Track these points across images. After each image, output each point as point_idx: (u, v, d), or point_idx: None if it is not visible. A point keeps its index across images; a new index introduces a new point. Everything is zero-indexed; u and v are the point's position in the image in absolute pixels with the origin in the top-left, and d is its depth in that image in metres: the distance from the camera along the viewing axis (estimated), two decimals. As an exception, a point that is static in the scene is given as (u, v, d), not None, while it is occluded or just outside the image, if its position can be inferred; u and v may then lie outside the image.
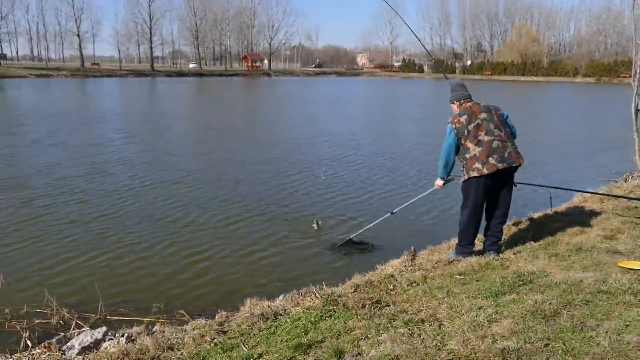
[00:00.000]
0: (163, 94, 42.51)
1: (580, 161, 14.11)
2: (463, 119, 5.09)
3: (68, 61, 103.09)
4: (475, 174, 5.00)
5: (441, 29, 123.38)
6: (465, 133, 5.05)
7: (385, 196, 9.87)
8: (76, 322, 4.82)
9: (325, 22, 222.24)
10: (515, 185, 5.68)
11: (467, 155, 5.06)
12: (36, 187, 9.97)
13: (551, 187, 6.90)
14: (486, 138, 4.99)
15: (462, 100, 5.30)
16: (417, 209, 8.61)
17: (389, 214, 6.86)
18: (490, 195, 5.24)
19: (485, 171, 4.94)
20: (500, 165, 4.93)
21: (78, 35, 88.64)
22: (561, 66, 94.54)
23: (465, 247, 5.34)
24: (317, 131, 19.33)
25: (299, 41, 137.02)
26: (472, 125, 5.04)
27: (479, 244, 5.57)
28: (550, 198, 6.91)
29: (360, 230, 7.24)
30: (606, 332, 3.21)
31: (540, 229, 6.21)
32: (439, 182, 5.49)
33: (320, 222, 7.89)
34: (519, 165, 5.09)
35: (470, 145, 5.03)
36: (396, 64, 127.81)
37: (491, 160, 4.93)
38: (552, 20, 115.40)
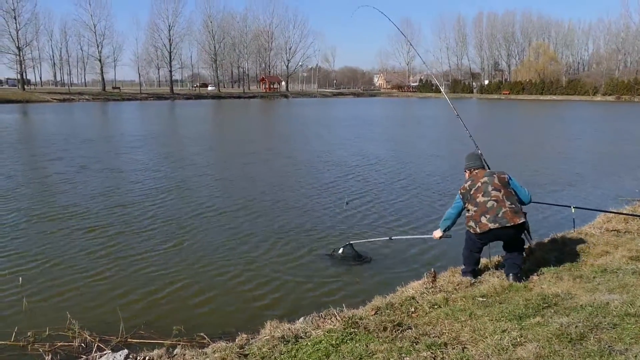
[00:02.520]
0: (188, 117, 42.77)
1: (602, 180, 13.90)
2: (467, 184, 5.50)
3: (90, 85, 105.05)
4: (470, 230, 5.36)
5: (458, 49, 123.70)
6: (468, 197, 5.42)
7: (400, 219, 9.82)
8: (98, 345, 4.83)
9: (342, 44, 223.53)
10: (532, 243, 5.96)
11: (467, 214, 5.45)
12: (55, 209, 10.09)
13: (574, 207, 6.82)
14: (482, 199, 5.27)
15: (472, 169, 5.71)
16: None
17: (388, 239, 7.34)
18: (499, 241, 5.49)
19: (478, 230, 5.23)
20: (491, 225, 5.13)
21: (100, 60, 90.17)
22: (580, 85, 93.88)
23: (466, 273, 5.59)
24: (346, 153, 19.33)
25: (316, 63, 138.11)
26: (474, 189, 5.39)
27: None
28: (573, 218, 6.82)
29: (362, 240, 7.44)
30: (635, 356, 3.14)
31: (564, 249, 6.13)
32: (437, 233, 5.86)
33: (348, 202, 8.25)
34: (515, 224, 5.13)
35: (470, 207, 5.41)
36: (413, 85, 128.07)
37: (483, 219, 5.19)
38: (570, 39, 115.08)
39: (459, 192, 5.57)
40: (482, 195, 5.26)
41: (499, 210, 5.12)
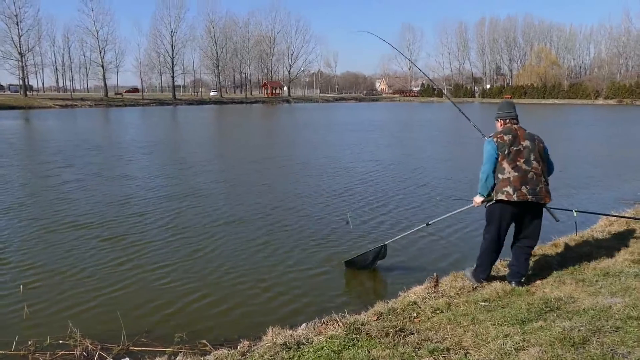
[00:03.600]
0: (193, 123, 42.72)
1: (604, 184, 13.87)
2: (507, 137, 5.02)
3: (92, 91, 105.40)
4: (503, 197, 4.92)
5: (460, 54, 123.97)
6: (506, 152, 4.96)
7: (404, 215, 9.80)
8: (99, 354, 4.82)
9: (344, 49, 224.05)
10: (557, 220, 5.79)
11: (501, 176, 4.97)
12: (57, 216, 10.10)
13: (576, 210, 6.79)
14: (524, 166, 4.93)
15: (507, 120, 5.26)
16: (440, 232, 8.54)
17: (425, 225, 6.82)
18: (518, 226, 5.18)
19: (514, 198, 4.86)
20: (530, 197, 4.87)
21: (102, 66, 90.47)
22: (582, 89, 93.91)
23: (479, 274, 5.32)
24: (356, 158, 19.28)
25: (318, 68, 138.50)
26: (515, 148, 4.97)
27: (503, 269, 5.49)
28: (575, 222, 6.80)
29: (398, 237, 7.26)
30: (638, 359, 3.12)
31: (566, 253, 6.12)
32: (478, 198, 5.28)
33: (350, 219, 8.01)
34: (545, 204, 5.04)
35: (506, 166, 4.94)
36: (415, 89, 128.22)
37: (524, 189, 4.86)
38: (572, 43, 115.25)
39: (493, 139, 5.05)
40: (525, 163, 4.92)
41: (537, 185, 4.90)
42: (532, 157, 4.96)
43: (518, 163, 4.92)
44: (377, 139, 27.34)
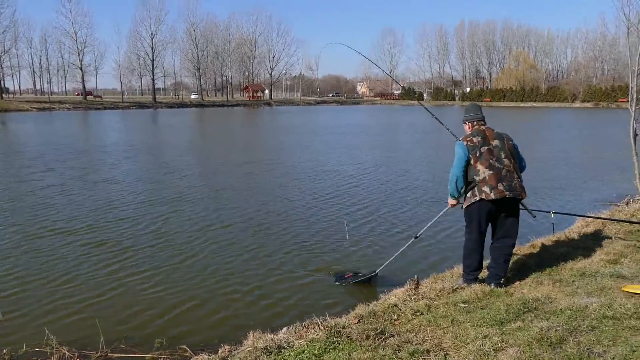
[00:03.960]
0: (175, 126, 42.17)
1: (580, 185, 14.09)
2: (477, 139, 5.10)
3: (70, 94, 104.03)
4: (483, 196, 4.98)
5: (440, 57, 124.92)
6: (477, 154, 5.03)
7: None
8: (77, 360, 4.76)
9: (326, 52, 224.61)
10: (534, 216, 5.80)
11: (477, 178, 5.03)
12: (36, 222, 9.96)
13: (553, 212, 6.88)
14: (497, 165, 5.00)
15: (475, 122, 5.34)
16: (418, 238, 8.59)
17: (414, 239, 6.61)
18: (495, 226, 5.23)
19: (492, 196, 4.92)
20: (507, 194, 4.92)
21: (81, 69, 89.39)
22: (559, 92, 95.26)
23: (470, 274, 5.33)
24: (343, 161, 19.32)
25: (300, 71, 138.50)
26: (485, 148, 5.05)
27: (483, 273, 5.54)
28: (553, 223, 6.89)
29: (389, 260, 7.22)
30: (613, 358, 3.18)
31: (543, 254, 6.19)
32: (451, 201, 5.38)
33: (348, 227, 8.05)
34: (522, 199, 5.11)
35: (480, 167, 5.01)
36: (396, 92, 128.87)
37: (500, 186, 4.92)
38: (549, 47, 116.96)
39: (463, 142, 5.12)
40: (496, 161, 5.00)
41: (511, 181, 4.97)
42: (502, 155, 5.05)
43: (490, 162, 5.01)
44: (363, 142, 27.40)
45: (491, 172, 4.95)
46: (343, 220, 9.55)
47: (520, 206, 5.35)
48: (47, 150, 22.00)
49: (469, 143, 5.09)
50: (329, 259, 7.70)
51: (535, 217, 5.90)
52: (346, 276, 6.77)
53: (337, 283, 6.71)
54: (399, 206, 11.38)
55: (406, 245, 6.69)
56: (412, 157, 20.73)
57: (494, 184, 4.93)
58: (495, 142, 5.09)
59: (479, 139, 5.09)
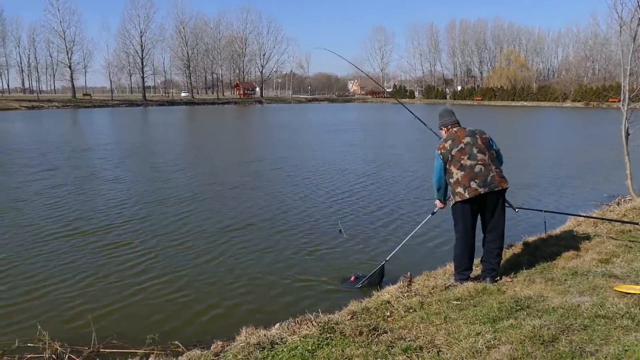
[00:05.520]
0: (169, 124, 41.79)
1: (572, 185, 14.17)
2: (448, 144, 5.24)
3: (60, 92, 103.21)
4: (458, 198, 5.11)
5: (431, 56, 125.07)
6: (450, 158, 5.19)
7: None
8: (69, 356, 4.74)
9: (317, 50, 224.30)
10: (516, 210, 5.80)
11: (451, 180, 5.19)
12: (26, 217, 9.90)
13: (545, 211, 6.92)
14: (469, 162, 5.09)
15: (449, 126, 5.47)
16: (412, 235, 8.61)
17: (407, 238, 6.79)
18: (482, 219, 5.28)
19: (467, 195, 5.03)
20: (481, 190, 5.01)
21: (70, 67, 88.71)
22: (550, 91, 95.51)
23: (461, 274, 5.36)
24: (350, 159, 19.31)
25: (291, 69, 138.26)
26: (456, 149, 5.17)
27: (477, 270, 5.56)
28: (545, 222, 6.92)
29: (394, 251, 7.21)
30: (605, 357, 3.19)
31: (535, 253, 6.21)
32: (439, 203, 5.62)
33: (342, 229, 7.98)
34: (503, 189, 5.13)
35: (453, 169, 5.15)
36: (387, 91, 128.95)
37: (473, 184, 5.02)
38: (540, 46, 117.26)
39: (438, 151, 5.31)
40: (468, 158, 5.09)
41: (487, 175, 5.03)
42: (475, 151, 5.14)
43: (462, 162, 5.11)
44: (362, 140, 27.35)
45: (462, 172, 5.08)
46: (339, 223, 9.48)
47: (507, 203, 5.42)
48: (48, 149, 21.74)
49: (442, 150, 5.28)
50: (333, 260, 7.69)
51: (517, 211, 6.00)
52: (351, 279, 6.67)
53: (357, 287, 6.50)
54: (406, 204, 11.41)
55: (410, 235, 6.81)
56: (416, 154, 20.73)
57: (467, 183, 5.04)
58: (467, 140, 5.20)
59: (450, 142, 5.25)
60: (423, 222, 6.74)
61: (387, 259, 6.70)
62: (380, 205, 11.32)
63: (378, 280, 6.56)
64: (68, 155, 19.79)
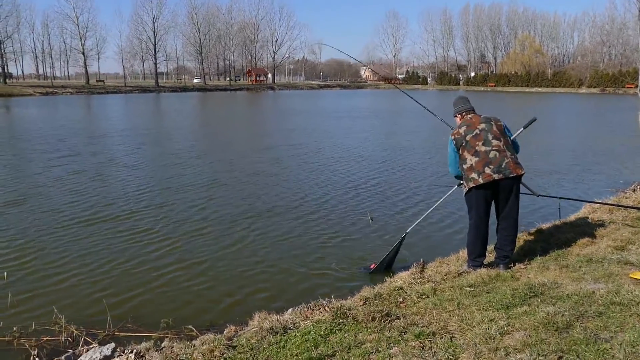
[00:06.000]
0: (184, 110, 41.69)
1: (587, 171, 14.02)
2: (462, 130, 5.21)
3: (73, 78, 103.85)
4: (472, 184, 5.07)
5: (444, 41, 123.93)
6: (463, 144, 5.15)
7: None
8: (85, 339, 4.80)
9: (329, 36, 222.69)
10: (537, 195, 5.80)
11: (465, 166, 5.15)
12: (47, 202, 10.00)
13: (559, 197, 6.86)
14: (483, 148, 5.05)
15: (463, 113, 5.43)
16: (424, 221, 8.58)
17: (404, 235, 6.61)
18: (497, 206, 5.25)
19: (480, 181, 4.99)
20: (496, 176, 4.96)
21: (83, 53, 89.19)
22: (565, 77, 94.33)
23: (475, 260, 5.34)
24: (370, 146, 19.25)
25: (303, 55, 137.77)
26: (470, 135, 5.13)
27: (490, 256, 5.54)
28: (559, 209, 6.87)
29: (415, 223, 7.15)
30: (620, 344, 3.17)
31: (550, 239, 6.17)
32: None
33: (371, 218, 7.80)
34: (518, 175, 5.08)
35: (467, 155, 5.12)
36: (400, 77, 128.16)
37: (487, 170, 4.98)
38: (555, 31, 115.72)
39: (451, 137, 5.28)
40: (483, 144, 5.04)
41: (502, 161, 4.98)
42: (490, 137, 5.09)
43: (477, 148, 5.06)
44: (379, 126, 27.15)
45: (477, 158, 5.04)
46: (368, 213, 9.25)
47: (522, 187, 5.38)
48: (66, 135, 21.78)
49: (455, 136, 5.24)
50: (352, 247, 7.68)
51: (538, 195, 5.93)
52: (371, 267, 6.60)
53: (378, 265, 6.47)
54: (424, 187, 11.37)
55: (433, 207, 6.74)
56: (433, 141, 20.59)
57: (481, 169, 5.00)
58: (482, 126, 5.16)
59: (464, 128, 5.21)
60: (447, 195, 6.56)
61: (407, 231, 6.63)
62: (398, 191, 11.27)
63: (394, 253, 6.50)
64: (86, 141, 19.92)
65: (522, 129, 5.91)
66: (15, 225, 8.57)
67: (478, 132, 5.12)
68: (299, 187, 11.65)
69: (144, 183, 12.02)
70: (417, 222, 6.77)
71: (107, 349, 4.16)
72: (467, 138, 5.13)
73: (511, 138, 5.37)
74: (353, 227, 8.52)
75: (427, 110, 6.82)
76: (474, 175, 5.03)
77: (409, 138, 19.84)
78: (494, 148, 5.04)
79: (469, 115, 5.34)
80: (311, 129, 25.73)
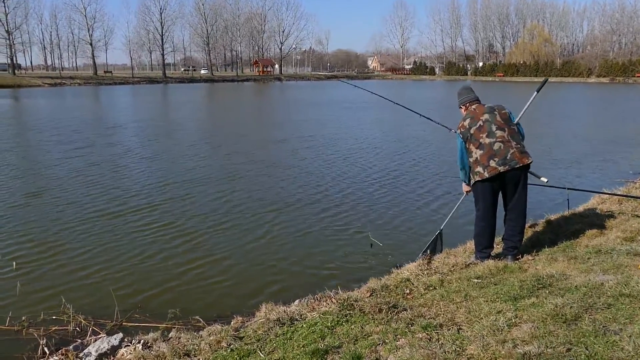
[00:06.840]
0: (193, 102, 41.65)
1: (596, 161, 13.92)
2: (466, 122, 5.14)
3: (81, 69, 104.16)
4: (477, 177, 5.03)
5: (452, 31, 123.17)
6: (469, 137, 5.08)
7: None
8: (92, 329, 4.83)
9: (336, 27, 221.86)
10: (546, 181, 5.76)
11: (471, 160, 5.10)
12: (66, 194, 10.03)
13: (568, 188, 6.81)
14: (487, 140, 4.98)
15: (467, 104, 5.34)
16: (432, 213, 8.55)
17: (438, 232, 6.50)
18: (504, 197, 5.21)
19: (486, 175, 4.94)
20: (501, 169, 4.91)
21: (91, 44, 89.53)
22: (574, 66, 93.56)
23: (482, 252, 5.31)
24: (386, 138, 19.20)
25: (310, 45, 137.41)
26: (474, 128, 5.06)
27: (498, 248, 5.51)
28: (568, 199, 6.82)
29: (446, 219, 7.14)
30: (630, 336, 3.14)
31: (558, 230, 6.13)
32: (464, 187, 5.53)
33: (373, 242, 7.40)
34: (525, 165, 5.02)
35: (472, 149, 5.05)
36: (407, 67, 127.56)
37: (492, 163, 4.92)
38: (565, 20, 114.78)
39: (458, 130, 5.22)
40: (487, 136, 4.97)
41: (507, 152, 4.91)
42: (494, 128, 5.00)
43: (481, 140, 4.99)
44: (390, 117, 26.94)
45: (481, 151, 4.97)
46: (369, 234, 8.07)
47: (530, 176, 5.31)
48: (79, 127, 21.81)
49: (461, 129, 5.17)
50: (346, 241, 7.67)
51: (547, 181, 5.84)
52: None
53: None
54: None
55: (459, 201, 6.59)
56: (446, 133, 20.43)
57: (486, 162, 4.94)
58: (485, 117, 5.07)
59: (469, 120, 5.13)
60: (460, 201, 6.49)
61: (441, 227, 6.51)
62: (422, 182, 11.26)
63: (440, 248, 6.34)
64: (101, 132, 19.98)
65: (535, 92, 5.83)
66: (32, 217, 8.60)
67: (482, 124, 5.04)
68: (319, 180, 11.56)
69: (163, 175, 12.00)
70: (450, 215, 6.61)
71: (115, 339, 4.18)
72: (472, 131, 5.06)
73: (524, 109, 5.27)
74: (372, 220, 8.43)
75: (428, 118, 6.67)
76: (479, 168, 4.99)
77: (424, 128, 19.69)
78: (498, 139, 4.96)
79: (473, 106, 5.25)
80: (324, 119, 25.64)
